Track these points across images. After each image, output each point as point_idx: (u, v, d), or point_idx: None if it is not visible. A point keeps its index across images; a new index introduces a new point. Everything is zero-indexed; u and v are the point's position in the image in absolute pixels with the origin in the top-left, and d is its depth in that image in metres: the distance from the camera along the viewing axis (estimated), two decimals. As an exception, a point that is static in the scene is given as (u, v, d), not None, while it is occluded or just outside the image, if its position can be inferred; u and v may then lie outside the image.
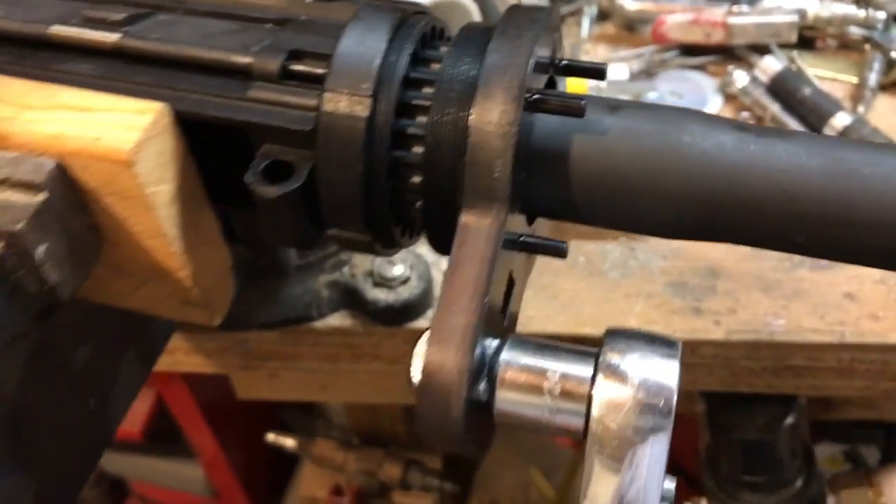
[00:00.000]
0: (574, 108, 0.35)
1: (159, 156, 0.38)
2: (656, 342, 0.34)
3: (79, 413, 0.54)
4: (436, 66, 0.37)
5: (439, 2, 0.90)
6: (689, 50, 0.91)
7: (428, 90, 0.37)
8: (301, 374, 0.81)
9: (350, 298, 0.72)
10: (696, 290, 0.72)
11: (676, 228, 0.36)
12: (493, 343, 0.34)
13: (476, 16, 0.90)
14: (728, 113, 0.86)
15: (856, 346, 0.68)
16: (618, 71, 0.88)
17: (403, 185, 0.37)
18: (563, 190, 0.36)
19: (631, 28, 0.96)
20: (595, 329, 0.70)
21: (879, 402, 0.85)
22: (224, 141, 0.39)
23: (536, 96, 0.35)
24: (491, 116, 0.33)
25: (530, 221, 0.40)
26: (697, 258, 0.74)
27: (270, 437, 1.24)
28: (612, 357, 0.33)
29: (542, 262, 0.74)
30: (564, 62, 0.39)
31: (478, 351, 0.33)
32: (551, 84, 0.39)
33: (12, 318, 0.39)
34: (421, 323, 0.71)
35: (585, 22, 0.98)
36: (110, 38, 0.40)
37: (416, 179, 0.36)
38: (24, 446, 0.49)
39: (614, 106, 0.37)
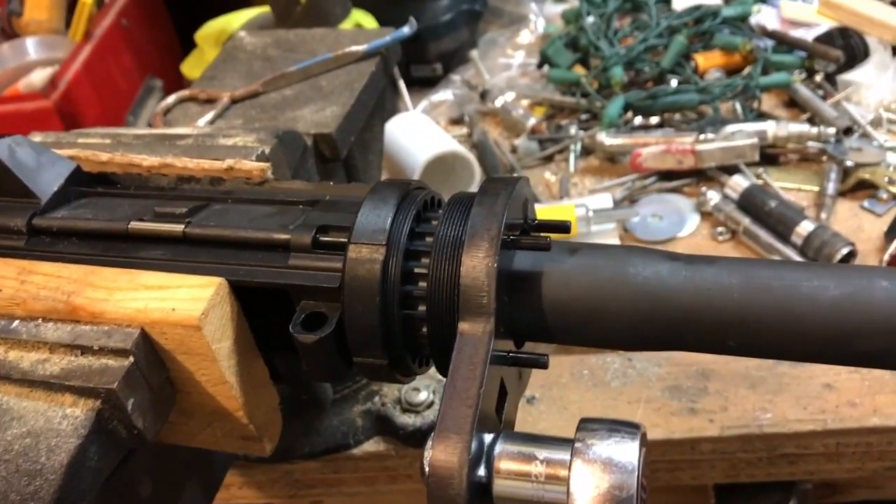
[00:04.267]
0: (542, 244, 0.45)
1: (220, 319, 0.48)
2: (620, 425, 0.42)
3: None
4: (434, 223, 0.48)
5: (445, 153, 1.02)
6: (666, 175, 1.02)
7: (429, 240, 0.47)
8: (342, 498, 0.88)
9: (382, 425, 0.80)
10: (691, 392, 0.80)
11: (631, 343, 0.45)
12: (489, 437, 0.43)
13: (475, 163, 1.02)
14: (705, 229, 0.96)
15: (839, 432, 0.75)
16: (603, 200, 0.99)
17: (412, 313, 0.46)
18: (538, 314, 0.46)
19: (612, 160, 1.08)
20: (602, 434, 0.78)
21: (883, 482, 0.91)
22: (269, 301, 0.50)
23: (512, 237, 0.45)
24: (478, 252, 0.43)
25: (518, 345, 0.49)
26: (689, 363, 0.83)
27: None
28: (585, 441, 0.41)
29: (551, 377, 0.83)
30: (535, 221, 0.49)
31: (475, 443, 0.41)
32: (527, 236, 0.49)
33: (109, 459, 0.48)
34: (446, 441, 0.79)
35: (571, 157, 1.09)
36: (177, 228, 0.51)
37: (422, 308, 0.46)
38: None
39: (574, 248, 0.47)
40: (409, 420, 0.79)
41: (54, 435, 0.46)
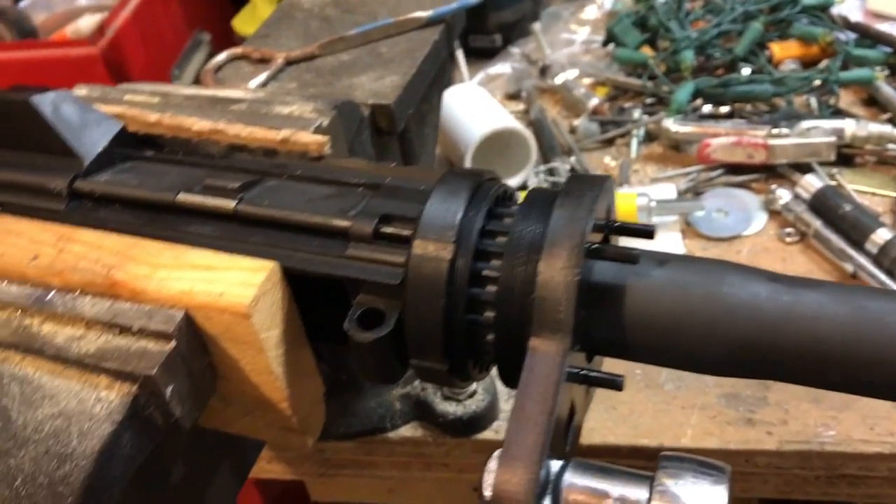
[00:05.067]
0: (629, 256, 0.41)
1: (270, 307, 0.44)
2: (707, 467, 0.38)
3: (181, 524, 0.59)
4: (507, 221, 0.44)
5: (502, 130, 0.98)
6: (734, 169, 0.97)
7: (501, 240, 0.43)
8: (373, 480, 0.86)
9: (421, 411, 0.77)
10: (749, 402, 0.76)
11: (719, 368, 0.41)
12: (556, 464, 0.39)
13: (532, 142, 0.98)
14: (772, 229, 0.91)
15: (908, 457, 0.71)
16: (665, 190, 0.94)
17: (478, 319, 0.43)
18: (618, 330, 0.42)
19: (677, 148, 1.02)
20: (652, 440, 0.74)
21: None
22: (322, 290, 0.46)
23: (596, 245, 0.41)
24: (558, 261, 0.39)
25: (589, 359, 0.45)
26: (748, 370, 0.78)
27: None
28: (666, 482, 0.38)
29: (599, 374, 0.79)
30: (617, 223, 0.45)
31: (543, 471, 0.37)
32: (606, 240, 0.45)
33: (143, 447, 0.45)
34: (487, 434, 0.76)
35: (634, 143, 1.04)
36: (228, 204, 0.47)
37: (490, 314, 0.42)
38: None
39: (662, 259, 0.42)
40: (449, 408, 0.75)
41: (87, 419, 0.43)
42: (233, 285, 0.44)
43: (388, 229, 0.44)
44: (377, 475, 0.83)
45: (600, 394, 0.82)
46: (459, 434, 0.76)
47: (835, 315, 0.39)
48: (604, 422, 0.76)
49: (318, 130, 0.55)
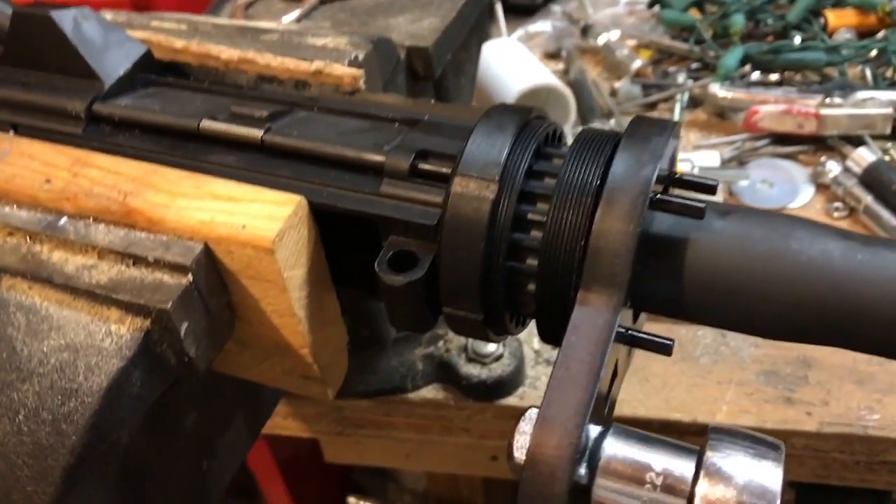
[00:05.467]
0: (694, 210, 0.37)
1: (296, 244, 0.41)
2: (761, 444, 0.35)
3: (191, 473, 0.57)
4: (557, 162, 0.40)
5: (538, 87, 0.94)
6: (781, 139, 0.92)
7: (549, 181, 0.39)
8: (389, 442, 0.83)
9: (444, 372, 0.74)
10: (789, 380, 0.72)
11: (782, 332, 0.38)
12: (595, 429, 0.36)
13: (572, 102, 0.94)
14: (820, 203, 0.87)
15: (955, 445, 0.67)
16: (709, 158, 0.90)
17: (519, 267, 0.39)
18: (675, 286, 0.38)
19: (722, 115, 0.98)
20: (685, 415, 0.71)
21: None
22: (351, 229, 0.43)
23: (660, 196, 0.37)
24: (619, 209, 0.36)
25: (635, 318, 0.42)
26: (790, 347, 0.74)
27: (351, 500, 1.25)
28: (716, 457, 0.34)
29: (631, 344, 0.76)
30: (678, 175, 0.41)
31: (583, 436, 0.34)
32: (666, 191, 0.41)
33: (153, 387, 0.42)
34: (511, 400, 0.73)
35: (677, 108, 1.00)
36: (255, 133, 0.44)
37: (533, 262, 0.39)
38: (137, 500, 0.52)
39: (724, 211, 0.39)
40: (473, 371, 0.72)
41: (95, 353, 0.41)
42: (257, 218, 0.40)
43: (426, 166, 0.41)
44: (395, 437, 0.80)
45: (633, 364, 0.78)
46: (482, 398, 0.73)
47: (917, 277, 0.35)
48: (635, 393, 0.72)
49: (353, 63, 0.51)
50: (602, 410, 0.38)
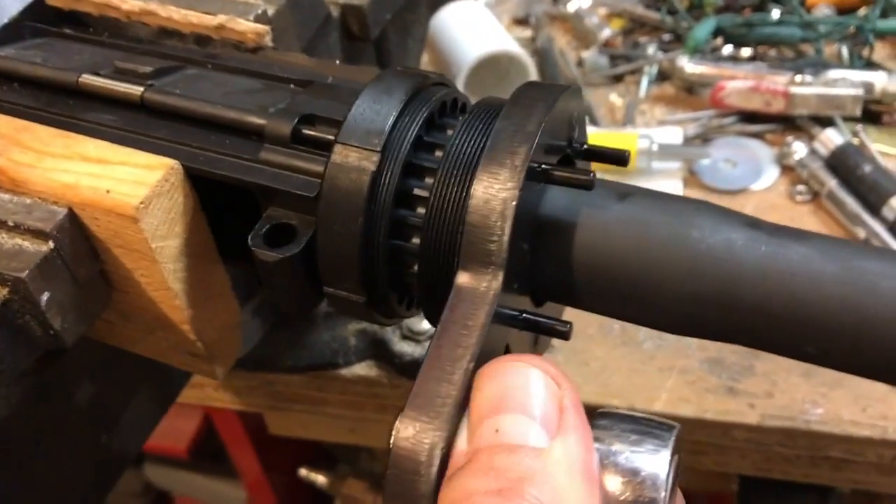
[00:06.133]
0: (583, 181, 0.34)
1: (167, 212, 0.38)
2: (648, 426, 0.32)
3: (88, 447, 0.54)
4: (451, 133, 0.37)
5: (499, 53, 0.90)
6: (749, 117, 0.89)
7: (439, 154, 0.36)
8: (326, 418, 0.81)
9: (377, 349, 0.71)
10: (733, 370, 0.69)
11: (680, 326, 0.35)
12: None
13: (533, 72, 0.90)
14: (783, 185, 0.83)
15: (900, 444, 0.65)
16: (672, 134, 0.86)
17: (403, 245, 0.36)
18: (565, 271, 0.35)
19: (690, 90, 0.94)
20: (623, 402, 0.68)
21: (929, 499, 0.80)
22: (235, 199, 0.39)
23: (544, 166, 0.34)
24: (494, 180, 0.32)
25: (538, 303, 0.39)
26: (737, 335, 0.72)
27: (303, 472, 1.23)
28: (601, 444, 0.32)
29: (577, 327, 0.72)
30: (586, 146, 0.38)
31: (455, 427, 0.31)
32: (568, 164, 0.38)
33: (15, 360, 0.39)
34: (446, 379, 0.70)
35: (644, 81, 0.96)
36: (135, 91, 0.41)
37: (416, 240, 0.36)
38: (28, 475, 0.50)
39: (624, 193, 0.35)
40: (407, 349, 0.70)
41: (-51, 321, 0.38)
42: (122, 183, 0.37)
43: (310, 131, 0.38)
44: (329, 413, 0.78)
45: (571, 346, 0.76)
46: (416, 377, 0.70)
47: (821, 273, 0.32)
48: (573, 377, 0.69)
49: (260, 19, 0.48)
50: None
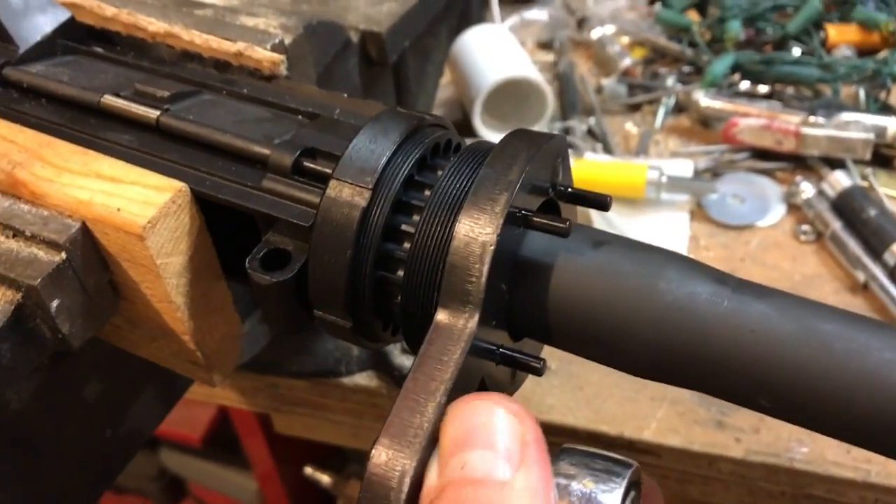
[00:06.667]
0: (559, 229, 0.36)
1: (172, 231, 0.41)
2: (607, 464, 0.34)
3: (93, 440, 0.57)
4: (441, 174, 0.39)
5: (517, 79, 0.92)
6: (760, 154, 0.90)
7: (428, 193, 0.38)
8: (328, 424, 0.83)
9: (378, 360, 0.74)
10: (723, 404, 0.70)
11: (646, 371, 0.37)
12: None
13: (550, 97, 0.92)
14: (789, 224, 0.85)
15: (882, 488, 0.66)
16: (682, 167, 0.88)
17: (388, 277, 0.38)
18: (540, 312, 0.37)
19: (705, 124, 0.96)
20: (613, 428, 0.70)
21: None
22: (238, 222, 0.42)
23: (525, 212, 0.36)
24: (475, 224, 0.34)
25: (515, 338, 0.41)
26: (730, 370, 0.73)
27: (308, 470, 1.26)
28: (560, 478, 0.34)
29: (574, 350, 0.74)
30: (570, 189, 0.40)
31: (432, 452, 0.33)
32: (552, 208, 0.40)
33: (26, 360, 0.42)
34: (443, 395, 0.72)
35: (661, 112, 0.98)
36: (152, 114, 0.43)
37: (401, 273, 0.38)
38: (33, 468, 0.52)
39: (599, 241, 0.37)
40: (406, 362, 0.72)
41: (-34, 321, 0.40)
42: (132, 202, 0.40)
43: (310, 164, 0.40)
44: (330, 418, 0.80)
45: (569, 370, 0.77)
46: (414, 390, 0.72)
47: (778, 331, 0.34)
48: (566, 401, 0.72)
49: (277, 48, 0.50)
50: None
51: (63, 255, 0.40)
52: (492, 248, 0.34)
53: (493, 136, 0.93)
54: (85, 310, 0.42)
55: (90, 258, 0.42)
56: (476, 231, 0.34)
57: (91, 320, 0.43)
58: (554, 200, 0.40)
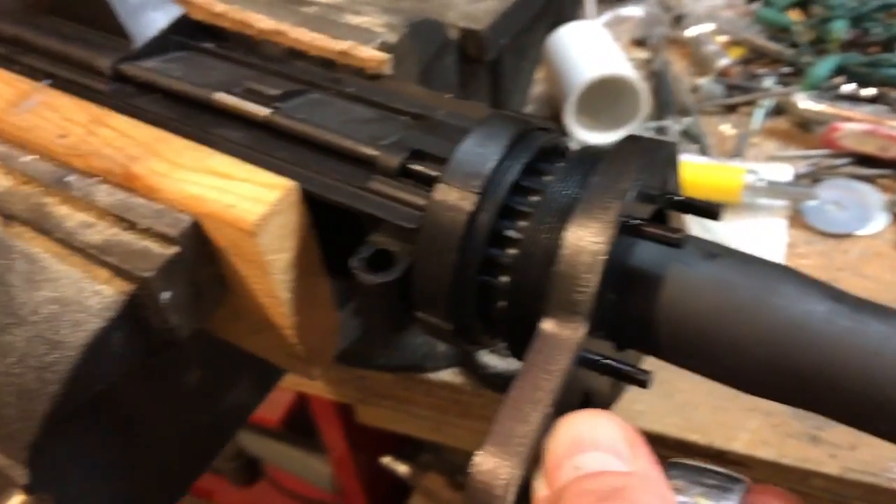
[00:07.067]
0: (672, 239, 0.35)
1: (281, 228, 0.41)
2: (717, 479, 0.34)
3: (189, 427, 0.59)
4: (547, 178, 0.39)
5: (612, 77, 0.91)
6: (862, 160, 0.87)
7: (534, 198, 0.38)
8: (411, 418, 0.84)
9: (464, 358, 0.74)
10: (819, 418, 0.67)
11: (756, 389, 0.36)
12: None
13: (645, 96, 0.91)
14: (891, 234, 0.81)
15: None
16: (781, 171, 0.86)
17: (492, 282, 0.38)
18: (648, 324, 0.37)
19: (804, 127, 0.93)
20: (703, 437, 0.68)
21: None
22: (345, 220, 0.42)
23: (637, 221, 0.36)
24: (585, 232, 0.34)
25: (620, 348, 0.40)
26: (826, 383, 0.71)
27: (386, 460, 1.28)
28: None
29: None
30: (679, 198, 0.39)
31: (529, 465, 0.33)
32: (661, 218, 0.40)
33: (136, 349, 0.43)
34: (528, 395, 0.72)
35: (758, 113, 0.95)
36: (262, 112, 0.44)
37: (505, 279, 0.38)
38: (135, 448, 0.54)
39: (712, 253, 0.37)
40: (493, 361, 0.72)
41: (80, 309, 0.42)
42: (244, 199, 0.41)
43: (417, 166, 0.40)
44: (414, 412, 0.81)
45: (659, 376, 0.75)
46: (499, 389, 0.72)
47: (899, 354, 0.32)
48: (654, 407, 0.71)
49: (382, 47, 0.50)
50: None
51: (175, 248, 0.41)
52: (602, 258, 0.34)
53: (586, 134, 0.92)
54: (193, 302, 0.43)
55: (200, 252, 0.43)
56: (586, 240, 0.34)
57: (199, 312, 0.44)
58: (663, 209, 0.39)
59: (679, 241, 0.35)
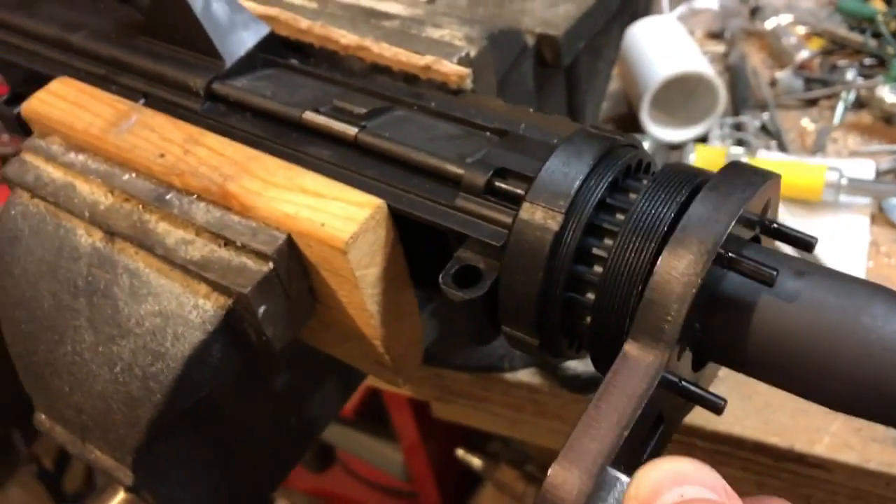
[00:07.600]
0: (764, 276, 0.35)
1: (371, 244, 0.43)
2: None
3: (278, 428, 0.61)
4: (633, 196, 0.39)
5: (688, 74, 0.90)
6: (951, 155, 0.84)
7: (620, 217, 0.38)
8: (488, 416, 0.85)
9: (542, 359, 0.75)
10: (904, 421, 0.68)
11: (846, 408, 0.36)
12: (624, 479, 0.35)
13: (722, 92, 0.90)
14: (980, 232, 0.79)
15: None
16: (863, 167, 0.84)
17: (578, 299, 0.39)
18: (736, 346, 0.37)
19: (888, 121, 0.90)
20: (783, 441, 0.68)
21: None
22: (430, 235, 0.44)
23: (731, 255, 0.35)
24: (679, 262, 0.34)
25: (697, 367, 0.40)
26: (912, 386, 0.70)
27: (460, 452, 1.29)
28: None
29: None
30: (775, 225, 0.39)
31: (605, 479, 0.34)
32: (755, 239, 0.40)
33: (233, 359, 0.46)
34: (606, 396, 0.72)
35: (840, 107, 0.93)
36: (351, 131, 0.46)
37: (591, 296, 0.39)
38: (228, 449, 0.57)
39: (801, 271, 0.36)
40: (570, 363, 0.72)
41: (182, 322, 0.44)
42: (336, 217, 0.42)
43: (502, 184, 0.41)
44: (491, 411, 0.82)
45: (737, 378, 0.75)
46: (576, 391, 0.73)
47: None
48: (733, 409, 0.70)
49: (463, 61, 0.51)
50: (637, 460, 0.37)
51: (270, 264, 0.43)
52: (694, 290, 0.34)
53: (661, 131, 0.91)
54: (287, 315, 0.45)
55: (294, 268, 0.44)
56: (679, 270, 0.34)
57: (292, 324, 0.46)
58: (758, 235, 0.39)
59: (771, 280, 0.35)
